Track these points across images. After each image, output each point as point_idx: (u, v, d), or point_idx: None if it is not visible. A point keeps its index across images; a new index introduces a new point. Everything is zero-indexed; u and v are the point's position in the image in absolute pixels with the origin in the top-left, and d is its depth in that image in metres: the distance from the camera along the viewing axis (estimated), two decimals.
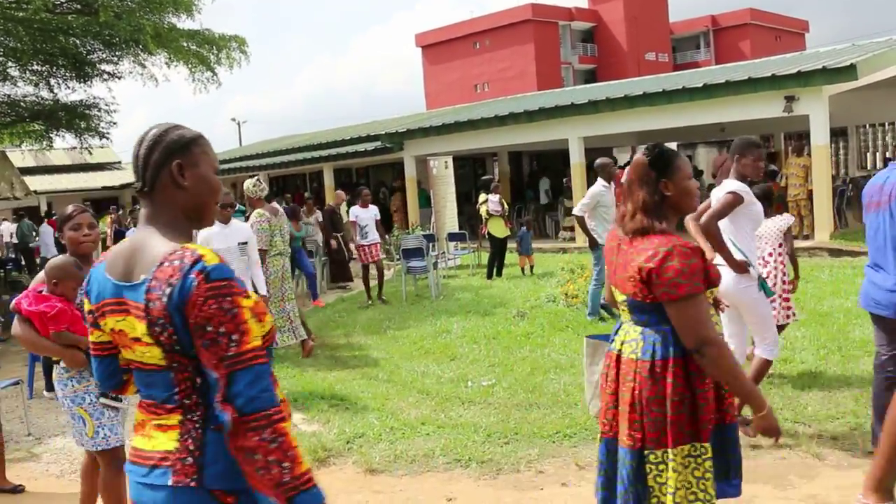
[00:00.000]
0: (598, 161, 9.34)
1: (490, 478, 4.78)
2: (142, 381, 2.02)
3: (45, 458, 5.99)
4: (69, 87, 17.60)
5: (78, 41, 15.95)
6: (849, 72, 12.55)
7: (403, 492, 4.73)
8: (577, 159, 16.99)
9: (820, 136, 13.39)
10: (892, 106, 19.78)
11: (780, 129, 21.55)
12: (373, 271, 12.08)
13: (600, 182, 8.95)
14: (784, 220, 6.27)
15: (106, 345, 2.14)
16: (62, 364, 3.95)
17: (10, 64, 16.38)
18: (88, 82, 17.50)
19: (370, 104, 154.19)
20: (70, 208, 4.13)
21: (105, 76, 17.57)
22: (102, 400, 3.85)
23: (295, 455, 1.82)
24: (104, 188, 35.16)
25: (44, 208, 29.30)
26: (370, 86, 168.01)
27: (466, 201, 21.21)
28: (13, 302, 4.04)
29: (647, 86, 16.97)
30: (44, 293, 3.95)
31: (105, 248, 21.05)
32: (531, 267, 13.41)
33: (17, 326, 3.98)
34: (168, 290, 1.83)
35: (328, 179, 23.83)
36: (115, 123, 18.71)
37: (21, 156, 29.56)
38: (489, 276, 13.21)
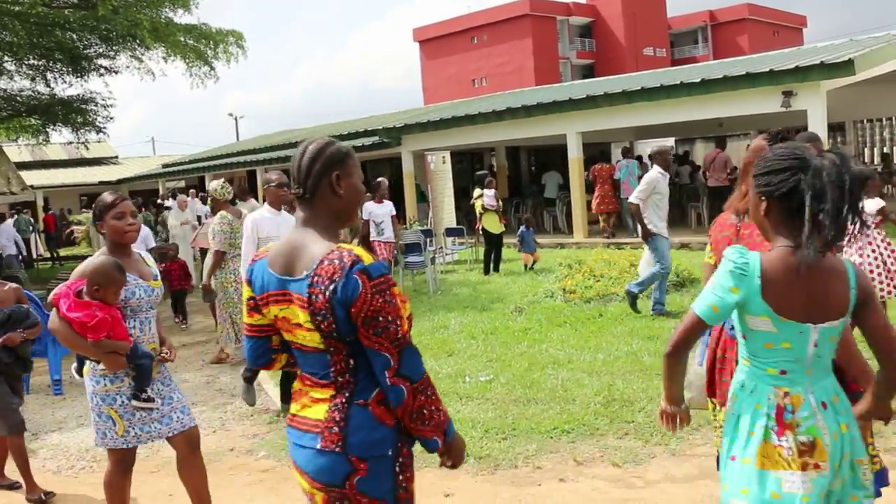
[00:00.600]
0: (655, 148, 9.11)
1: (488, 473, 4.78)
2: (302, 360, 2.38)
3: (41, 454, 5.97)
4: (66, 82, 17.61)
5: (75, 36, 15.93)
6: (846, 67, 12.52)
7: None
8: (574, 154, 16.96)
9: (817, 132, 13.37)
10: (890, 101, 19.79)
11: (777, 125, 21.51)
12: None
13: (657, 169, 8.73)
14: (875, 203, 7.10)
15: (263, 327, 2.46)
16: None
17: (6, 58, 16.35)
18: (85, 77, 17.50)
19: (368, 99, 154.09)
20: (110, 197, 3.85)
21: (102, 71, 17.55)
22: (135, 403, 3.76)
23: (440, 398, 2.27)
24: (101, 183, 35.06)
25: (40, 203, 29.26)
26: (368, 81, 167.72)
27: (464, 196, 21.21)
28: (51, 296, 3.85)
29: (645, 81, 16.94)
30: (84, 297, 3.73)
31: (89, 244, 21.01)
32: (534, 262, 13.36)
33: (54, 321, 3.78)
34: (331, 287, 2.15)
35: None
36: (111, 118, 18.75)
37: (18, 150, 29.53)
38: (486, 272, 13.19)
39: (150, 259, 4.09)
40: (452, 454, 2.34)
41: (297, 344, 2.34)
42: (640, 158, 19.56)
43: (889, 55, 14.37)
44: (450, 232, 15.25)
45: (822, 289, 2.32)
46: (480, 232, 13.80)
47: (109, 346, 3.68)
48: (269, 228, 6.27)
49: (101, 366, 3.75)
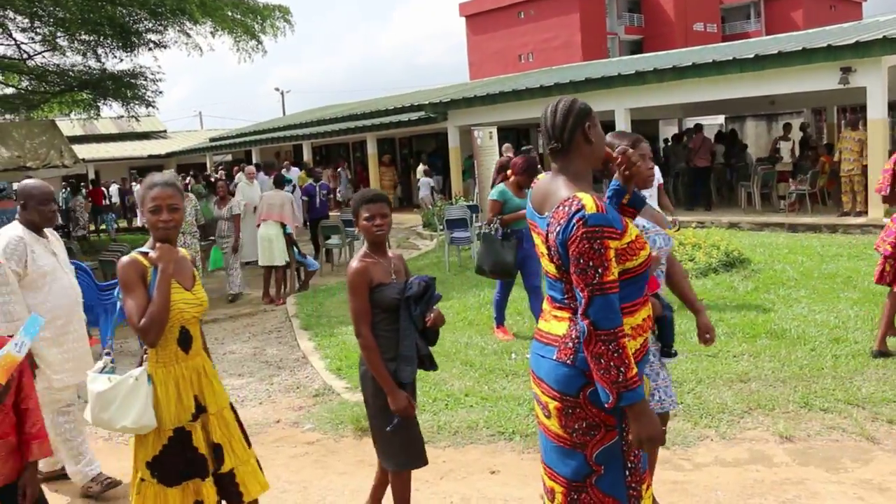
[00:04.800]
0: None
1: (534, 451, 4.73)
2: (548, 285, 2.75)
3: None
4: (116, 57, 17.77)
5: (124, 10, 16.05)
6: None
7: (447, 463, 4.71)
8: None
9: (877, 110, 12.97)
10: None
11: (833, 102, 20.99)
12: None
13: None
14: None
15: None
16: None
17: (58, 34, 16.56)
18: (134, 52, 17.64)
19: (413, 74, 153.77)
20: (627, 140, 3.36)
21: (151, 45, 17.68)
22: (666, 360, 3.56)
23: (629, 363, 2.42)
24: (150, 156, 35.56)
25: (91, 176, 29.77)
26: (413, 55, 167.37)
27: None
28: None
29: (696, 57, 16.59)
30: None
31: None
32: None
33: None
34: (558, 228, 2.52)
35: (371, 149, 23.83)
36: (160, 92, 18.89)
37: (70, 125, 30.02)
38: None
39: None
40: (634, 425, 2.49)
41: (544, 269, 2.75)
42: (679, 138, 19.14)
43: None
44: None
45: None
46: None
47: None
48: None
49: None
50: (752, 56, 14.04)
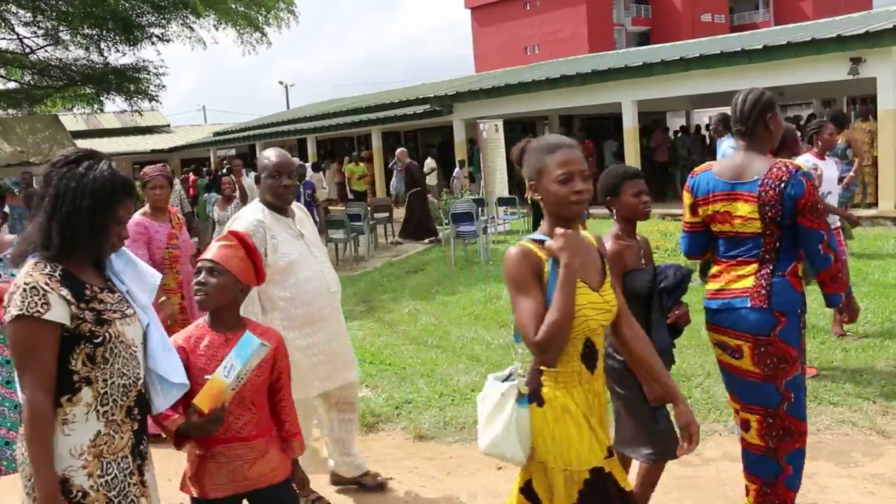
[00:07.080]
0: None
1: None
2: (731, 245, 3.24)
3: None
4: (119, 51, 17.80)
5: (127, 4, 16.04)
6: None
7: (453, 459, 4.67)
8: (630, 124, 16.61)
9: (887, 100, 12.83)
10: None
11: (843, 93, 20.86)
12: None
13: None
14: None
15: (697, 224, 3.38)
16: None
17: (61, 28, 16.56)
18: (137, 45, 17.64)
19: (419, 67, 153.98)
20: None
21: (154, 39, 17.68)
22: None
23: (843, 275, 3.23)
24: (153, 151, 35.53)
25: None
26: (419, 48, 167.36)
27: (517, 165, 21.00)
28: None
29: (703, 48, 16.46)
30: None
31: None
32: None
33: None
34: (781, 185, 3.05)
35: (376, 142, 23.75)
36: (164, 86, 18.88)
37: (73, 119, 30.04)
38: None
39: None
40: (850, 310, 3.53)
41: (731, 232, 3.21)
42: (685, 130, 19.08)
43: None
44: (502, 201, 15.10)
45: None
46: (529, 202, 13.59)
47: None
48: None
49: None
50: (760, 47, 13.92)
